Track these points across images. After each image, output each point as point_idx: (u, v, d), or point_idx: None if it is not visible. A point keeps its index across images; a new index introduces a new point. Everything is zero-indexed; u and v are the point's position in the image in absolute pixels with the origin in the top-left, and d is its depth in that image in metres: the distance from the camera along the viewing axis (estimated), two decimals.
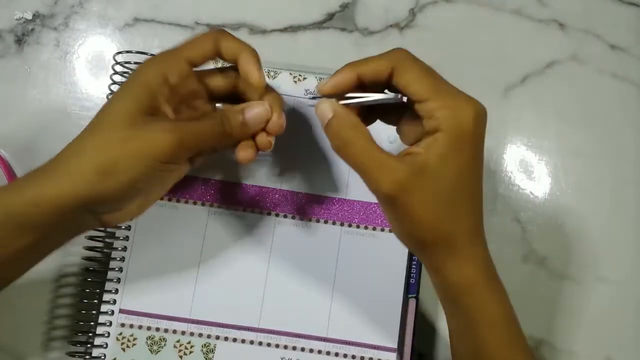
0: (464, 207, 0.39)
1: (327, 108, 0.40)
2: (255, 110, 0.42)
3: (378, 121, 0.44)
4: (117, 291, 0.50)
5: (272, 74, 0.53)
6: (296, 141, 0.52)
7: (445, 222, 0.39)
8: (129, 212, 0.42)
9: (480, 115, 0.38)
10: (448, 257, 0.40)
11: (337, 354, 0.50)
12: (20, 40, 0.56)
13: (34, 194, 0.38)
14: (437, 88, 0.38)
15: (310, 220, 0.52)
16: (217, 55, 0.42)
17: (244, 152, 0.43)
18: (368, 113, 0.43)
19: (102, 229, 0.52)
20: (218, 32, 0.42)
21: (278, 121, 0.43)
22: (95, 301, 0.51)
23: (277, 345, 0.50)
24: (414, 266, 0.51)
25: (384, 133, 0.52)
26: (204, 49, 0.42)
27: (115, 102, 0.40)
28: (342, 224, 0.52)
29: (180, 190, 0.51)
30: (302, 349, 0.50)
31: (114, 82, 0.53)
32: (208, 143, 0.41)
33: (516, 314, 0.42)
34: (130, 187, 0.39)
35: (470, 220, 0.40)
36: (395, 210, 0.39)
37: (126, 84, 0.41)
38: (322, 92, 0.40)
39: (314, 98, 0.42)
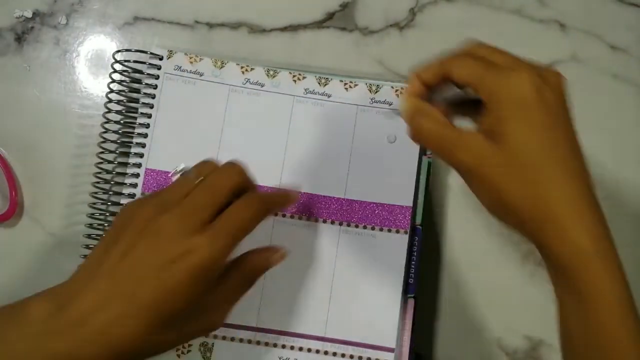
0: (552, 171, 0.38)
1: (404, 103, 0.42)
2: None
3: (379, 125, 0.46)
4: None
5: (271, 73, 0.53)
6: (295, 141, 0.52)
7: (532, 186, 0.38)
8: None
9: (536, 78, 0.38)
10: (543, 225, 0.38)
11: (335, 354, 0.50)
12: (19, 39, 0.56)
13: None
14: (485, 66, 0.39)
15: (309, 219, 0.52)
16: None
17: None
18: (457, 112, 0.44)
19: (103, 225, 0.52)
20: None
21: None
22: None
23: (275, 345, 0.50)
24: (412, 266, 0.51)
25: (383, 133, 0.52)
26: None
27: None
28: (340, 224, 0.52)
29: None
30: (301, 349, 0.50)
31: (114, 81, 0.53)
32: None
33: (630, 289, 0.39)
34: None
35: (566, 182, 0.38)
36: (481, 186, 0.39)
37: None
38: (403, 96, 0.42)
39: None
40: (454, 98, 0.42)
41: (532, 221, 0.38)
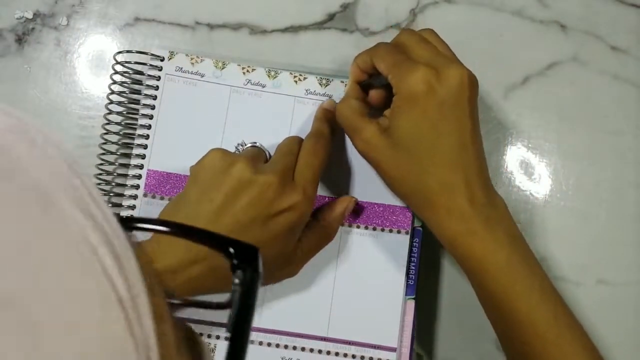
0: (429, 160, 0.43)
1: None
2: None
3: None
4: None
5: (272, 73, 0.53)
6: None
7: (413, 174, 0.44)
8: None
9: (439, 79, 0.42)
10: (424, 209, 0.45)
11: (337, 354, 0.50)
12: (20, 40, 0.56)
13: None
14: (395, 62, 0.44)
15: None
16: None
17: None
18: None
19: None
20: None
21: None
22: None
23: (277, 345, 0.50)
24: (412, 267, 0.51)
25: None
26: None
27: None
28: (342, 224, 0.52)
29: (180, 190, 0.51)
30: (303, 349, 0.50)
31: (114, 82, 0.53)
32: None
33: (528, 253, 0.44)
34: None
35: (442, 173, 0.43)
36: (374, 167, 0.46)
37: None
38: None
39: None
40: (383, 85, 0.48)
41: (414, 200, 0.45)
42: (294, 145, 0.48)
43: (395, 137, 0.43)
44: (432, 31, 0.47)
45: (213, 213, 0.43)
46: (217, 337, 0.50)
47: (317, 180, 0.47)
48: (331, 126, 0.50)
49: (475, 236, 0.43)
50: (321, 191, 0.52)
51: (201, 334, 0.50)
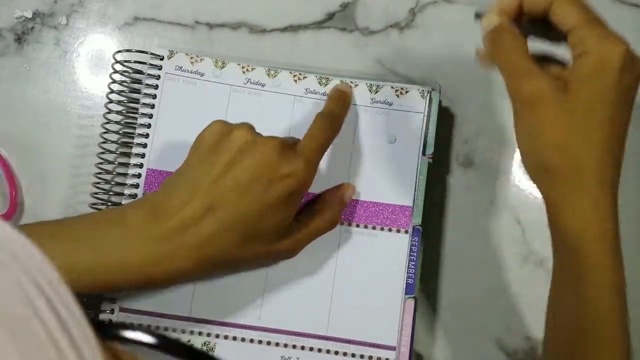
0: (597, 137, 0.39)
1: (494, 18, 0.41)
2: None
3: (379, 125, 0.50)
4: None
5: (272, 73, 0.53)
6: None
7: (574, 146, 0.39)
8: None
9: (628, 58, 0.38)
10: (571, 194, 0.39)
11: (337, 352, 0.50)
12: (20, 39, 0.56)
13: None
14: (590, 20, 0.39)
15: None
16: None
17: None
18: None
19: None
20: None
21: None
22: (95, 300, 0.50)
23: (277, 344, 0.50)
24: (412, 266, 0.51)
25: (383, 133, 0.52)
26: None
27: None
28: (341, 223, 0.52)
29: None
30: (302, 348, 0.50)
31: (114, 81, 0.53)
32: None
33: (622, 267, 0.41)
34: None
35: (605, 157, 0.39)
36: (528, 121, 0.40)
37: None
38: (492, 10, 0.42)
39: (478, 16, 0.43)
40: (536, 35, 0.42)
41: (558, 175, 0.39)
42: None
43: (574, 101, 0.38)
44: None
45: (214, 175, 0.43)
46: (217, 336, 0.50)
47: (320, 152, 0.46)
48: (344, 109, 0.50)
49: (608, 243, 0.40)
50: (319, 190, 0.52)
51: (201, 333, 0.50)
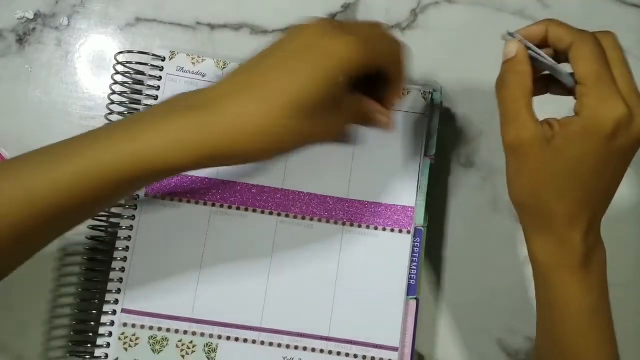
0: (572, 192, 0.40)
1: (513, 48, 0.42)
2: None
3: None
4: (119, 291, 0.50)
5: None
6: None
7: (546, 194, 0.40)
8: None
9: (624, 123, 0.38)
10: (540, 230, 0.41)
11: (339, 353, 0.50)
12: (21, 40, 0.56)
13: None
14: (599, 77, 0.39)
15: (312, 219, 0.52)
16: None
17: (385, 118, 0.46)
18: (542, 79, 0.45)
19: (105, 228, 0.52)
20: None
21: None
22: (97, 301, 0.50)
23: (279, 345, 0.50)
24: (414, 267, 0.52)
25: (385, 134, 0.52)
26: None
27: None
28: (343, 224, 0.52)
29: (181, 190, 0.51)
30: (305, 349, 0.50)
31: (116, 82, 0.53)
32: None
33: (610, 308, 0.43)
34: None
35: (575, 206, 0.40)
36: (510, 162, 0.42)
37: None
38: (519, 34, 0.42)
39: (510, 34, 0.43)
40: (547, 64, 0.42)
41: (530, 214, 0.42)
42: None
43: (557, 155, 0.39)
44: (617, 44, 0.43)
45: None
46: (219, 337, 0.50)
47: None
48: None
49: (573, 273, 0.41)
50: (321, 190, 0.52)
51: (203, 334, 0.50)
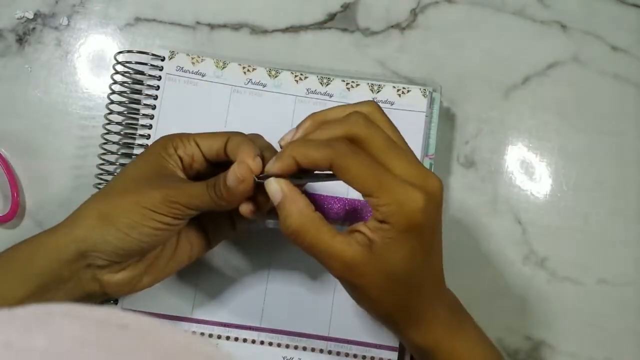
0: (416, 285, 0.41)
1: (277, 190, 0.40)
2: (230, 175, 0.41)
3: None
4: None
5: (273, 73, 0.53)
6: None
7: (397, 298, 0.41)
8: (132, 278, 0.44)
9: (431, 201, 0.38)
10: (408, 326, 0.43)
11: (339, 353, 0.50)
12: (21, 40, 0.56)
13: (40, 240, 0.43)
14: (381, 183, 0.38)
15: None
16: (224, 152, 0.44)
17: (244, 207, 0.43)
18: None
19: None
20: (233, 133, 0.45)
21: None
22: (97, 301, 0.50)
23: (279, 345, 0.50)
24: None
25: None
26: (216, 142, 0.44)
27: (129, 167, 0.45)
28: (343, 223, 0.52)
29: None
30: (304, 348, 0.50)
31: (115, 82, 0.53)
32: (197, 204, 0.42)
33: (497, 349, 0.46)
34: (126, 236, 0.41)
35: (425, 293, 0.42)
36: (351, 290, 0.41)
37: (141, 153, 0.47)
38: (269, 173, 0.40)
39: (260, 178, 0.41)
40: (318, 181, 0.43)
41: (394, 320, 0.43)
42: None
43: (383, 262, 0.39)
44: (378, 109, 0.42)
45: None
46: (219, 337, 0.50)
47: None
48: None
49: (456, 336, 0.43)
50: (322, 191, 0.52)
51: (202, 334, 0.50)
